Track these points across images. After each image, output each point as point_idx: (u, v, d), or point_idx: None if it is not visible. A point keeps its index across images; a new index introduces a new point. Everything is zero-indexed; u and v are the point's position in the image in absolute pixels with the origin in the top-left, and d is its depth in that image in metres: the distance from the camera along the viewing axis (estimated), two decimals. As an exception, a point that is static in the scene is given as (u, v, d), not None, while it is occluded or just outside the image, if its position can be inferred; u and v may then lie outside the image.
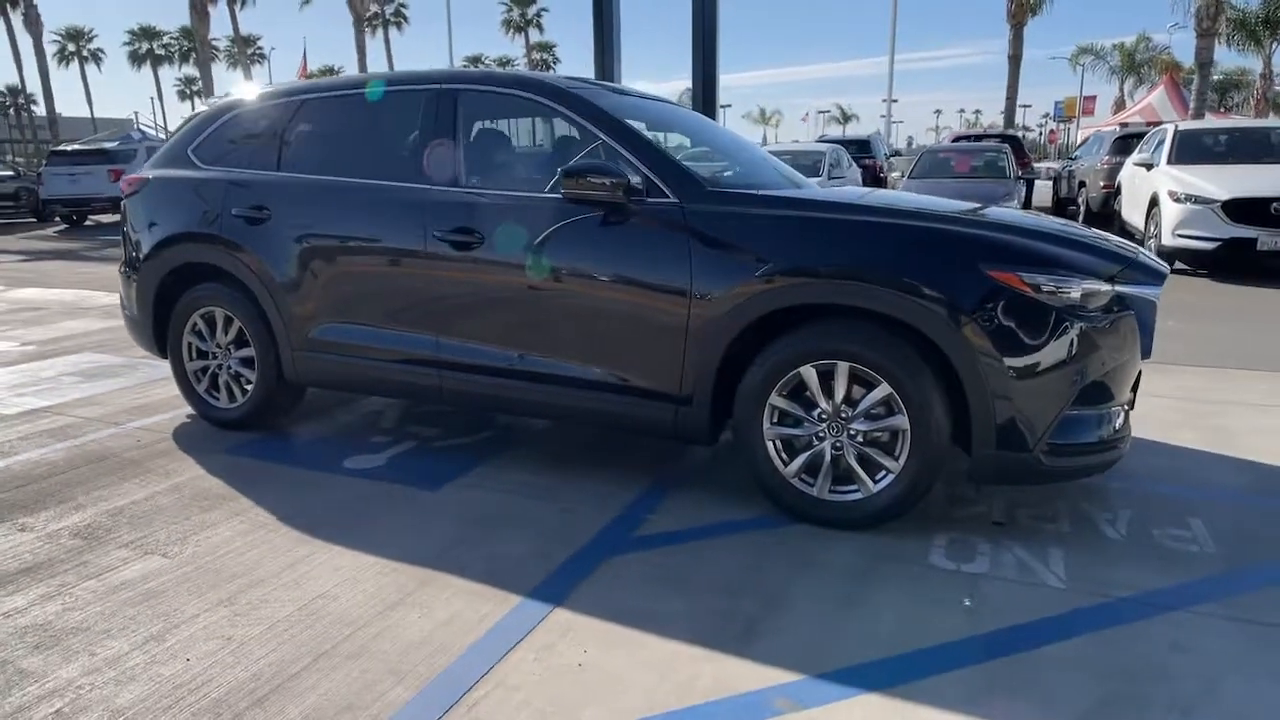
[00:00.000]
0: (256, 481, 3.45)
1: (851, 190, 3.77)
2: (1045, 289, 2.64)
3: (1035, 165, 21.85)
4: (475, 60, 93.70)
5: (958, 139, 16.20)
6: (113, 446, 3.86)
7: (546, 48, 70.98)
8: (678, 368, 3.04)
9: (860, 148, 17.46)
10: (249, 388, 3.99)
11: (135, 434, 4.05)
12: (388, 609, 2.44)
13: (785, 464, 2.98)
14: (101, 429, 4.13)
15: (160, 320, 4.16)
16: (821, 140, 17.63)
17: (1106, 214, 12.32)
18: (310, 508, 3.19)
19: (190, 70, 66.07)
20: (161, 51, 62.41)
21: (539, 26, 63.62)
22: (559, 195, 3.12)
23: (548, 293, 3.21)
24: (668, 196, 3.06)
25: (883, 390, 2.78)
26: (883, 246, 2.80)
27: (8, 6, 40.41)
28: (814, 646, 2.24)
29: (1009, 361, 2.64)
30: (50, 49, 64.08)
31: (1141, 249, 3.19)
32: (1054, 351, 2.64)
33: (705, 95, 26.61)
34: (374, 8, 58.14)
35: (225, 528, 3.00)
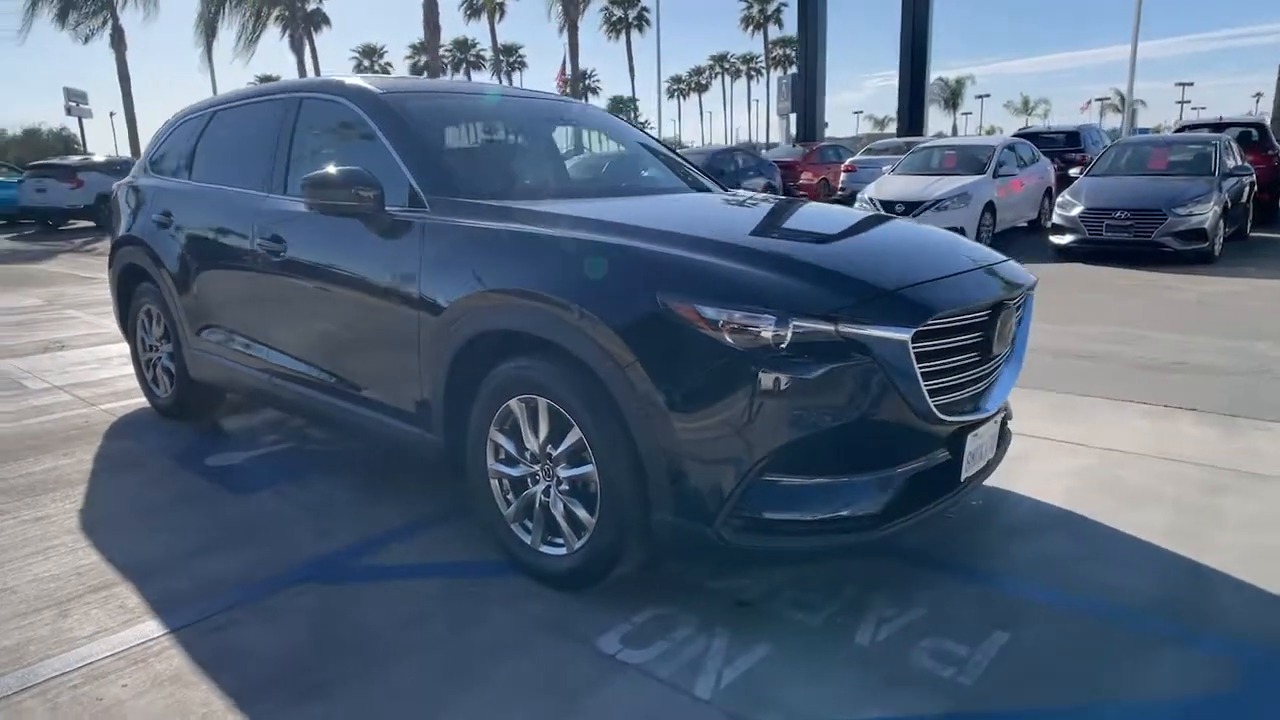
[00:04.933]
0: (119, 470, 3.70)
1: (648, 202, 3.23)
2: (726, 325, 2.12)
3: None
4: (720, 59, 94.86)
5: (1183, 128, 13.67)
6: (60, 427, 4.33)
7: (789, 42, 69.98)
8: (417, 390, 2.84)
9: (1069, 140, 15.35)
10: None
11: (95, 416, 4.52)
12: (31, 613, 2.50)
13: (508, 506, 2.67)
14: (76, 409, 4.65)
15: (124, 313, 4.60)
16: (1021, 132, 15.72)
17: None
18: (126, 499, 3.36)
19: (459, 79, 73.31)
20: (438, 65, 69.74)
21: (778, 22, 62.94)
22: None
23: (326, 304, 3.13)
24: (423, 207, 2.85)
25: (576, 434, 2.40)
26: (563, 267, 2.41)
27: (311, 30, 46.76)
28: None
29: (678, 412, 2.16)
30: (350, 64, 73.75)
31: (936, 270, 2.46)
32: (732, 402, 2.12)
33: (914, 86, 24.99)
34: (618, 12, 60.62)
35: (22, 514, 3.23)
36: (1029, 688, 2.08)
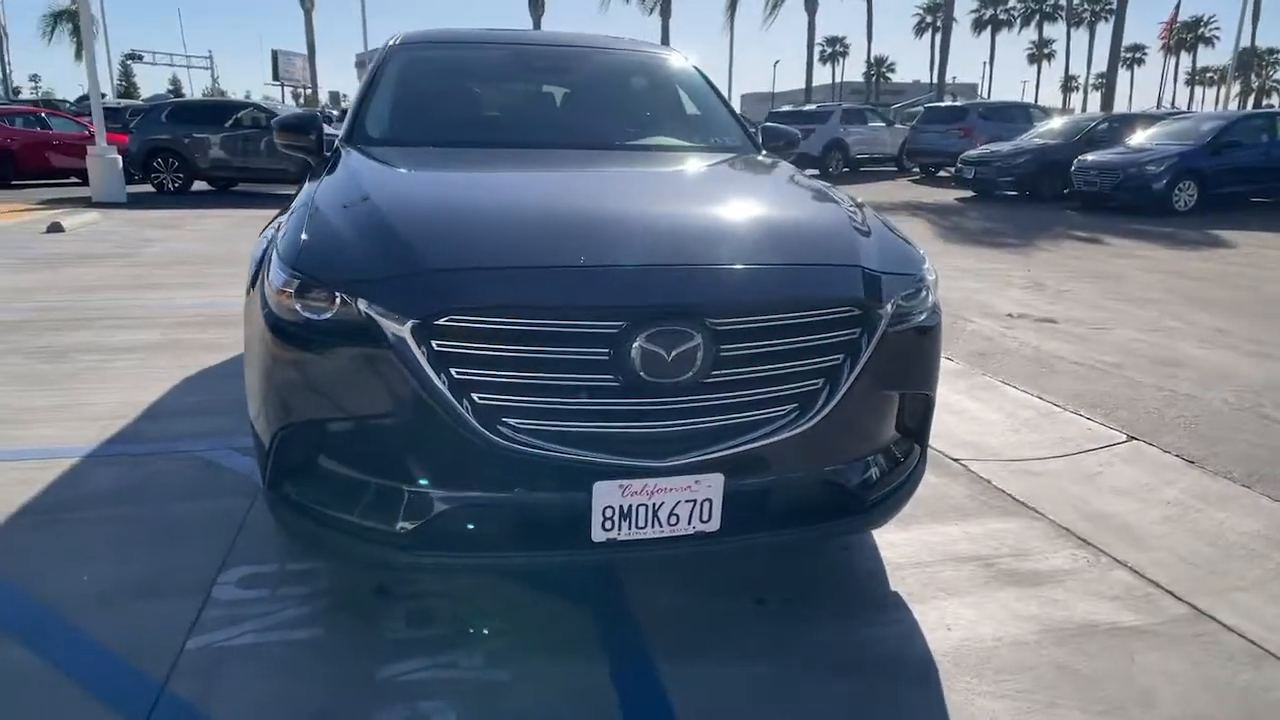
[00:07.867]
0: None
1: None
2: (278, 287, 1.95)
3: None
4: None
5: None
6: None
7: None
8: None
9: None
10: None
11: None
12: (55, 421, 3.48)
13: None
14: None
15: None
16: None
17: None
18: (222, 370, 4.24)
19: (1032, 33, 67.50)
20: (1004, 16, 64.67)
21: None
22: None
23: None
24: (340, 150, 3.06)
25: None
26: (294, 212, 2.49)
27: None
28: None
29: (247, 366, 2.19)
30: (912, 21, 72.84)
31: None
32: (269, 366, 1.98)
33: None
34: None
35: (182, 360, 4.36)
36: None
